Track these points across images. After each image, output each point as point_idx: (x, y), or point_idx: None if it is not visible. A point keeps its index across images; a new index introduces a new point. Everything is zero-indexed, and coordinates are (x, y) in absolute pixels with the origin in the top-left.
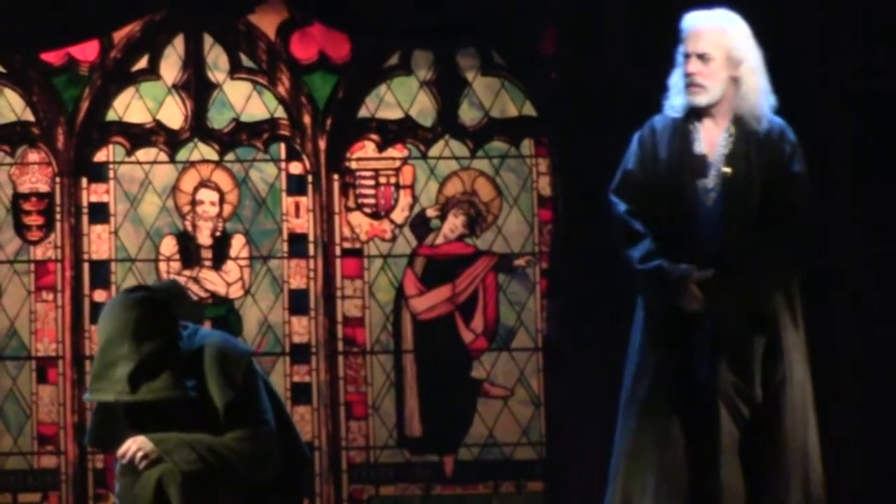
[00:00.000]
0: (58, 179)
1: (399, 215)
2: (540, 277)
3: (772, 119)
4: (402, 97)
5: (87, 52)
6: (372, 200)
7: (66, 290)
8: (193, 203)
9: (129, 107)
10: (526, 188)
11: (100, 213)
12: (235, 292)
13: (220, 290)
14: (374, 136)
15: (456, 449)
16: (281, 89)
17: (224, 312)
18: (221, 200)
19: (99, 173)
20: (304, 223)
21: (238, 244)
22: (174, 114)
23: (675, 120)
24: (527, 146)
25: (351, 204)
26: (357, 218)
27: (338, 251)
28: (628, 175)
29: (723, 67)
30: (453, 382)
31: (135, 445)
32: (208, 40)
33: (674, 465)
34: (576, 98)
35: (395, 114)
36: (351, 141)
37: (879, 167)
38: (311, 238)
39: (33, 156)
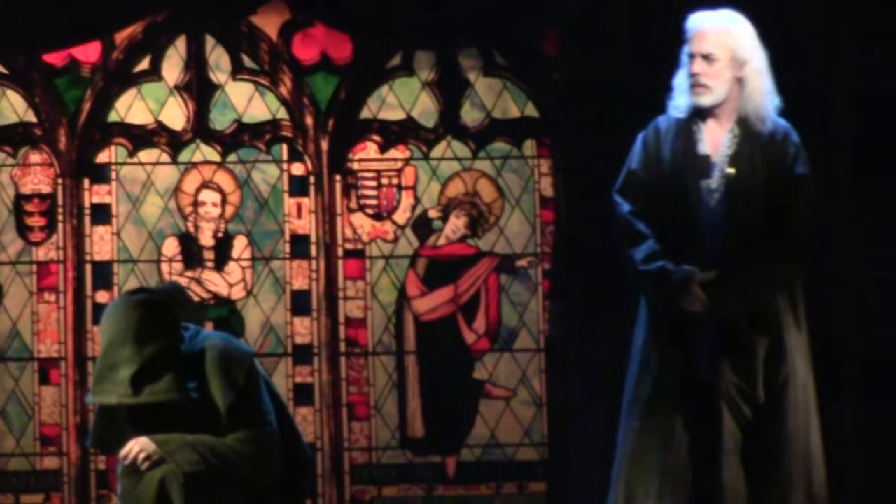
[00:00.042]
0: (60, 180)
1: (401, 216)
2: (542, 278)
3: (776, 120)
4: (404, 98)
5: (89, 53)
6: (374, 201)
7: (68, 292)
8: (195, 204)
9: (131, 108)
10: (528, 189)
11: (102, 214)
12: (237, 293)
13: (223, 291)
14: (376, 137)
15: (458, 450)
16: (283, 90)
17: (226, 313)
18: (223, 201)
19: (101, 174)
20: (307, 224)
21: (240, 245)
22: (176, 115)
23: (679, 120)
24: (529, 147)
25: (353, 205)
26: (359, 219)
27: (340, 252)
28: (632, 175)
29: (727, 68)
30: (455, 383)
31: (137, 446)
32: (210, 41)
33: (677, 465)
34: (578, 99)
35: (397, 115)
36: (353, 142)
37: (880, 167)
38: (313, 239)
39: (35, 157)
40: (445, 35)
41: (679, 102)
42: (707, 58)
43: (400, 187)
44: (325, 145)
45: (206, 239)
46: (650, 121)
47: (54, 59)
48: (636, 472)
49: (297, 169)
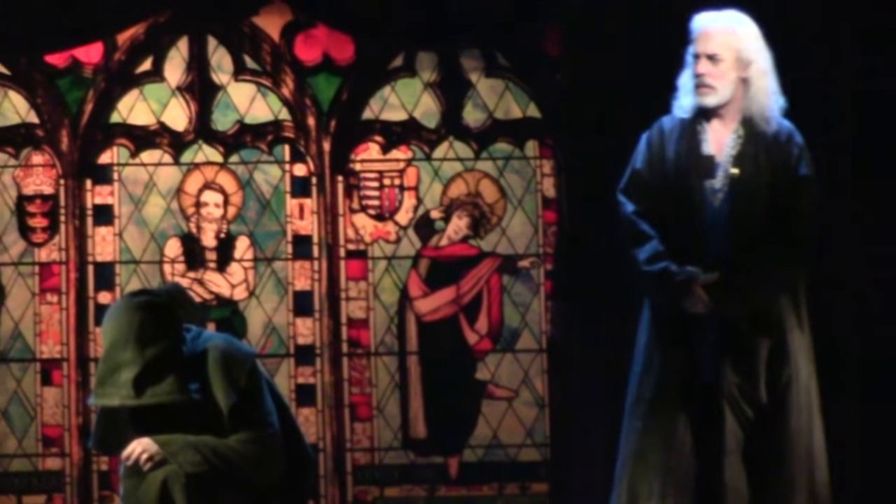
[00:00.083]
0: (62, 181)
1: (403, 217)
2: (544, 279)
3: (780, 121)
4: (406, 99)
5: (91, 54)
6: (376, 202)
7: (70, 292)
8: (198, 205)
9: (134, 109)
10: (530, 189)
11: (104, 215)
12: (240, 294)
13: (225, 291)
14: (379, 138)
15: (460, 450)
16: (285, 91)
17: (228, 314)
18: (226, 202)
19: (103, 175)
20: (309, 225)
21: (242, 246)
22: (178, 116)
23: (683, 120)
24: (531, 147)
25: (355, 205)
26: (361, 219)
27: (342, 253)
28: (636, 175)
29: (732, 68)
30: (458, 384)
31: (139, 447)
32: (212, 42)
33: (680, 465)
34: (580, 99)
35: (399, 115)
36: (355, 143)
37: (880, 167)
38: (315, 240)
39: (37, 158)
40: (447, 36)
41: (684, 103)
42: (712, 58)
43: (402, 188)
44: (327, 146)
45: (209, 240)
46: (652, 121)
47: (56, 59)
48: (639, 471)
49: (300, 170)
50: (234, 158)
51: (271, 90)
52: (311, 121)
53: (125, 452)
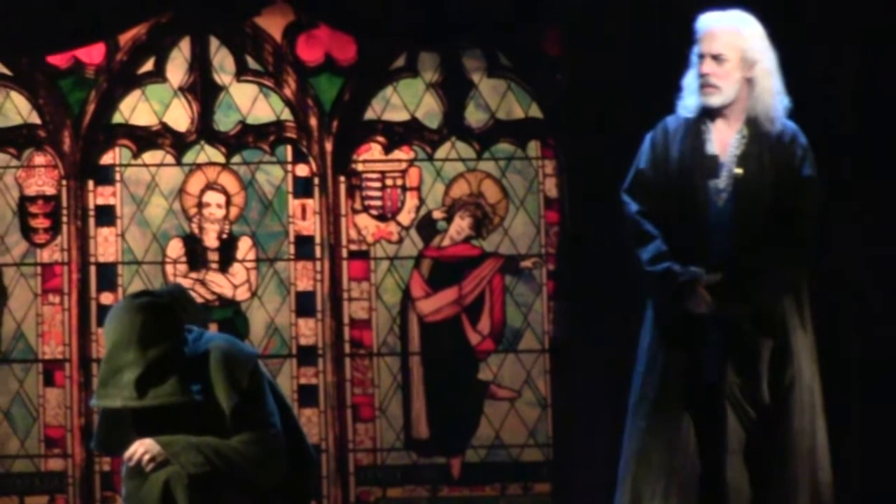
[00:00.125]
0: (64, 182)
1: (405, 217)
2: (546, 279)
3: (785, 122)
4: (408, 99)
5: (93, 54)
6: (378, 202)
7: (72, 293)
8: (200, 205)
9: (136, 109)
10: (532, 190)
11: (106, 215)
12: (242, 294)
13: (227, 292)
14: (381, 138)
15: (463, 451)
16: (287, 91)
17: (231, 315)
18: (228, 203)
19: (105, 176)
20: (311, 225)
21: (245, 246)
22: (180, 116)
23: (687, 120)
24: (533, 148)
25: (357, 206)
26: (363, 220)
27: (344, 253)
28: (640, 174)
29: (737, 68)
30: (460, 384)
31: (141, 448)
32: (214, 43)
33: (683, 466)
34: (580, 99)
35: (401, 116)
36: (357, 143)
37: (880, 167)
38: (317, 240)
39: (39, 158)
40: (449, 36)
41: (688, 102)
42: (717, 58)
43: (404, 188)
44: (329, 146)
45: (211, 240)
46: (653, 121)
47: (58, 60)
48: (642, 472)
49: (302, 170)
50: (236, 159)
51: (273, 90)
52: (313, 121)
53: (127, 453)
